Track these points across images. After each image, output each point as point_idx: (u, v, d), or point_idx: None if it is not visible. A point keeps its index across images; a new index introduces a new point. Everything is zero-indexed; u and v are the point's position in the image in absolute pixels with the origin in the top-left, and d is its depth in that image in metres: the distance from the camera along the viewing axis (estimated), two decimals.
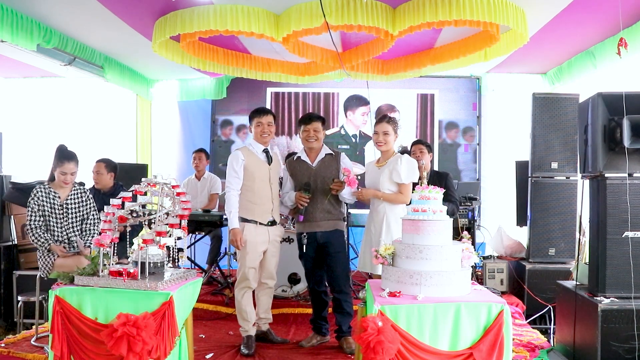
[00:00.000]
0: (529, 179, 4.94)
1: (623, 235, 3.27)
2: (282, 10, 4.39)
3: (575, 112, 4.72)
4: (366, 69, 6.03)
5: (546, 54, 5.86)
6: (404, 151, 5.18)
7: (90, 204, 4.02)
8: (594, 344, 3.21)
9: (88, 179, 4.74)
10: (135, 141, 7.08)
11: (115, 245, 2.93)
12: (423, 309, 2.51)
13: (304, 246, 3.84)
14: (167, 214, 2.97)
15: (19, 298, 4.59)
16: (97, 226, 3.94)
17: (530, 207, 4.94)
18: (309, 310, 4.24)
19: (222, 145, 7.48)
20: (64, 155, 3.84)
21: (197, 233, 5.73)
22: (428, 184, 2.88)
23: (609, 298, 3.26)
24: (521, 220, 5.34)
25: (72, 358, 2.71)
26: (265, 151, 3.88)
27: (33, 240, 3.81)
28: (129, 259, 3.00)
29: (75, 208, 3.93)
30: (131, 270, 2.75)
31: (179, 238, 2.95)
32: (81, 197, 3.97)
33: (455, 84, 7.31)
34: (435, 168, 7.12)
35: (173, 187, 2.99)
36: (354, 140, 7.38)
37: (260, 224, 3.78)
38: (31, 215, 3.80)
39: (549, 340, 4.10)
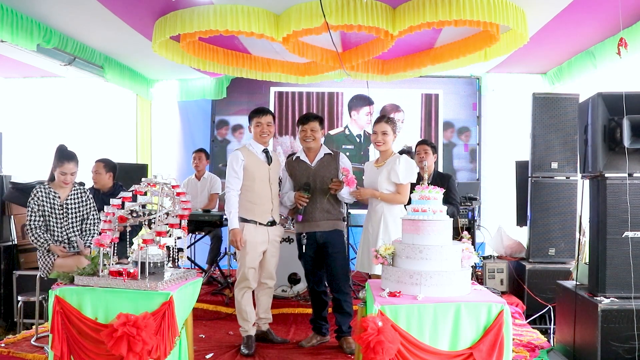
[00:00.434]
0: (529, 179, 4.94)
1: (623, 235, 3.27)
2: (282, 10, 4.39)
3: (575, 112, 4.72)
4: (366, 69, 6.03)
5: (546, 54, 5.86)
6: (404, 151, 5.19)
7: (90, 204, 4.01)
8: (594, 344, 3.21)
9: (88, 179, 4.74)
10: (135, 141, 7.08)
11: (115, 245, 2.93)
12: (423, 309, 2.51)
13: (304, 246, 3.84)
14: (167, 214, 2.97)
15: (19, 298, 4.59)
16: (97, 226, 3.94)
17: (530, 207, 4.94)
18: (309, 310, 4.24)
19: (218, 145, 7.49)
20: (64, 156, 3.84)
21: (197, 233, 5.73)
22: (429, 185, 2.88)
23: (609, 298, 3.26)
24: (521, 220, 5.34)
25: (72, 358, 2.71)
26: (265, 151, 3.88)
27: (33, 241, 3.81)
28: (129, 259, 3.00)
29: (75, 208, 3.93)
30: (131, 270, 2.75)
31: (178, 238, 2.95)
32: (81, 197, 3.97)
33: (455, 84, 7.31)
34: (441, 168, 7.16)
35: (173, 187, 2.99)
36: (358, 140, 7.37)
37: (260, 224, 3.78)
38: (31, 215, 3.80)
39: (549, 340, 4.09)
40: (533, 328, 4.35)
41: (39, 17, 4.54)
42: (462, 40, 5.20)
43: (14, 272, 5.16)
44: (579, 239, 4.06)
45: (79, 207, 3.95)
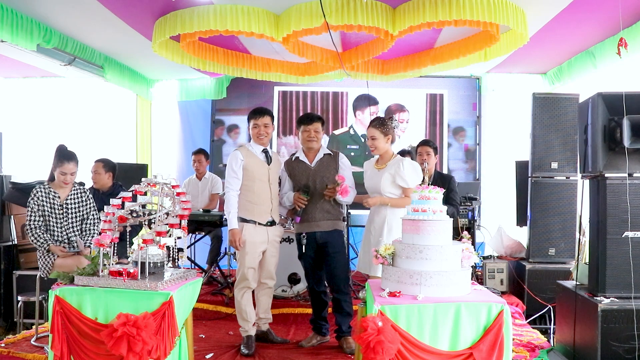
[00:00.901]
0: (529, 179, 4.94)
1: (623, 235, 3.26)
2: (282, 10, 4.39)
3: (575, 112, 4.71)
4: (366, 69, 6.03)
5: (546, 53, 5.86)
6: (405, 152, 5.19)
7: (90, 204, 4.01)
8: (594, 344, 3.21)
9: (88, 179, 4.74)
10: (135, 141, 7.08)
11: (115, 245, 2.93)
12: (423, 309, 2.51)
13: (304, 246, 3.83)
14: (167, 214, 2.97)
15: (19, 298, 4.59)
16: (97, 226, 3.95)
17: (530, 207, 4.94)
18: (309, 310, 4.24)
19: (215, 145, 7.50)
20: (64, 155, 3.84)
21: (197, 233, 5.73)
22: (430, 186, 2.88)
23: (609, 298, 3.26)
24: (521, 220, 5.34)
25: (72, 358, 2.71)
26: (265, 151, 3.87)
27: (32, 241, 3.81)
28: (129, 259, 3.00)
29: (75, 208, 3.93)
30: (131, 270, 2.75)
31: (179, 238, 2.95)
32: (81, 197, 3.98)
33: (455, 83, 7.31)
34: (445, 169, 7.16)
35: (173, 187, 2.99)
36: (363, 140, 7.35)
37: (259, 224, 3.77)
38: (31, 215, 3.80)
39: (549, 340, 4.09)
40: (533, 328, 4.35)
41: (39, 17, 4.54)
42: (462, 40, 5.20)
43: (14, 272, 5.15)
44: (579, 239, 4.05)
45: (78, 207, 3.95)
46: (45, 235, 3.80)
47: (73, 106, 7.00)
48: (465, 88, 7.31)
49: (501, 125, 7.05)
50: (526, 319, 4.59)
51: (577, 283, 3.56)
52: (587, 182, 3.53)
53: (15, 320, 4.91)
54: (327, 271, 3.93)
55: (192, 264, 5.75)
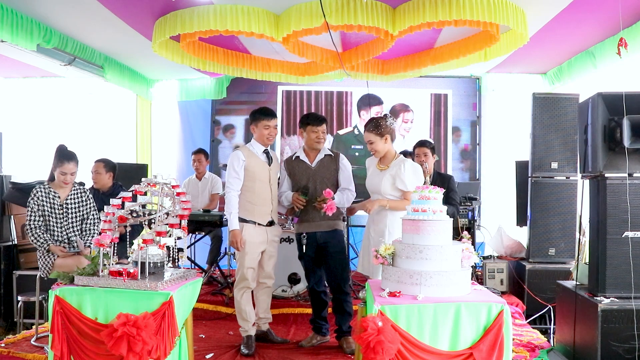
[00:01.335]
0: (529, 179, 4.94)
1: (623, 235, 3.26)
2: (282, 10, 4.39)
3: (575, 112, 4.71)
4: (366, 69, 6.03)
5: (546, 53, 5.86)
6: (406, 152, 5.18)
7: (90, 203, 4.01)
8: (594, 344, 3.21)
9: (88, 179, 4.74)
10: (135, 141, 7.08)
11: (115, 245, 2.93)
12: (423, 309, 2.51)
13: (304, 246, 3.83)
14: (167, 214, 2.97)
15: (19, 298, 4.59)
16: (97, 226, 3.94)
17: (530, 207, 4.94)
18: (309, 310, 4.24)
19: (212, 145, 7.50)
20: (64, 155, 3.84)
21: (197, 233, 5.73)
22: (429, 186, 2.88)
23: (609, 298, 3.26)
24: (521, 220, 5.34)
25: (72, 358, 2.71)
26: (266, 152, 3.87)
27: (32, 241, 3.81)
28: (129, 259, 3.00)
29: (75, 208, 3.93)
30: (131, 270, 2.75)
31: (179, 238, 2.95)
32: (81, 197, 3.98)
33: (455, 83, 7.31)
34: (450, 170, 7.15)
35: (173, 187, 2.99)
36: None
37: (259, 224, 3.77)
38: (31, 215, 3.80)
39: (549, 340, 4.09)
40: (533, 328, 4.35)
41: (39, 17, 4.54)
42: (462, 40, 5.20)
43: (14, 272, 5.16)
44: (579, 239, 4.05)
45: (78, 207, 3.95)
46: (45, 235, 3.80)
47: (73, 106, 7.00)
48: (465, 88, 7.31)
49: (501, 125, 7.05)
50: (526, 319, 4.59)
51: (577, 283, 3.55)
52: (587, 182, 3.53)
53: (15, 320, 4.91)
54: (327, 271, 3.93)
55: (192, 264, 5.75)
